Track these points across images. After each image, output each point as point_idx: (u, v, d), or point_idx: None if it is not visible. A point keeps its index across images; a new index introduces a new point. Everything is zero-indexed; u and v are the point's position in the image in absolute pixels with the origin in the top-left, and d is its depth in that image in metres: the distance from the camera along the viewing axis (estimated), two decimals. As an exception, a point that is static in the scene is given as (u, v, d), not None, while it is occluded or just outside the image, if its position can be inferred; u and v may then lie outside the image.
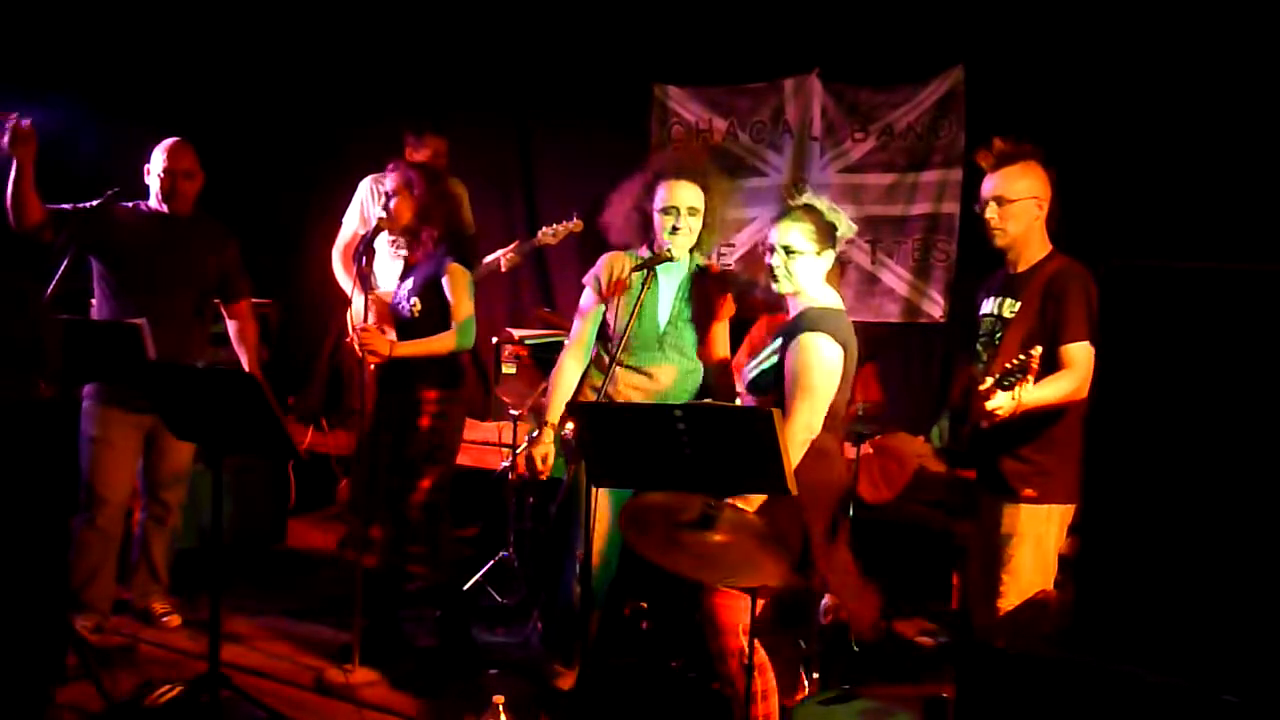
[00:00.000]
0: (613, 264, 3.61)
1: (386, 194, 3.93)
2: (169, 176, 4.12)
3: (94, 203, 4.00)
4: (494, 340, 5.17)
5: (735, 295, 3.69)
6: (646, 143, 5.77)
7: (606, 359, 3.53)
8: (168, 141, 4.18)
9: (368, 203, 5.16)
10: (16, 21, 5.55)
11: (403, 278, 4.07)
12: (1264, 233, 4.14)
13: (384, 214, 3.95)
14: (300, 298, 6.20)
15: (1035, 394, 2.80)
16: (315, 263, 5.49)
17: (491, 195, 6.20)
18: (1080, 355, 2.92)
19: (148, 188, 4.19)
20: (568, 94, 6.00)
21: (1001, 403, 2.76)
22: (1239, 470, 1.53)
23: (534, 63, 6.09)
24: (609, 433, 2.69)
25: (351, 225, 5.21)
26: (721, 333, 3.65)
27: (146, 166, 4.18)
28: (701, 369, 3.61)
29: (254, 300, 4.55)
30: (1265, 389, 1.51)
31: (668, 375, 3.55)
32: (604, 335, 3.61)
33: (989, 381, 2.78)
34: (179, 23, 6.17)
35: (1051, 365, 2.90)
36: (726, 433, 2.53)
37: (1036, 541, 3.00)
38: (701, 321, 3.59)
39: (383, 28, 6.36)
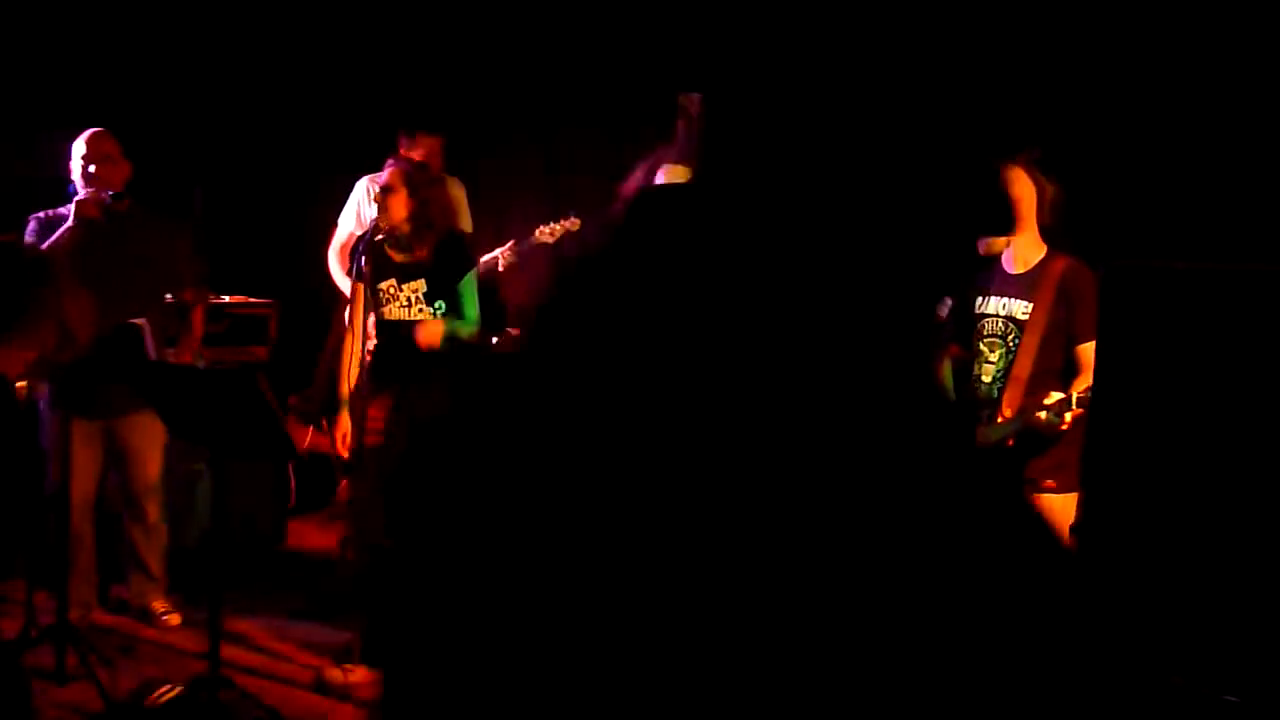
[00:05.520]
0: None
1: (379, 189, 3.91)
2: (87, 163, 4.09)
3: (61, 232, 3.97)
4: (494, 340, 5.16)
5: None
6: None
7: None
8: (87, 131, 4.15)
9: (364, 203, 5.14)
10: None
11: (399, 278, 4.01)
12: (1264, 233, 4.13)
13: (379, 212, 3.95)
14: (300, 298, 6.19)
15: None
16: (315, 263, 5.48)
17: (515, 204, 6.19)
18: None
19: (72, 186, 4.14)
20: (592, 103, 5.99)
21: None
22: (1240, 471, 1.53)
23: (559, 73, 6.07)
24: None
25: (348, 226, 5.19)
26: None
27: (69, 164, 4.14)
28: None
29: (252, 297, 4.54)
30: (1265, 390, 1.51)
31: None
32: None
33: (1048, 415, 2.87)
34: (181, 23, 6.17)
35: (1067, 365, 2.98)
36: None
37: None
38: None
39: (394, 32, 6.35)
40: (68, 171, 4.17)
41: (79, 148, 4.13)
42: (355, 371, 3.98)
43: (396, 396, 3.96)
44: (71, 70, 5.68)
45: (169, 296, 4.30)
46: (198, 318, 4.42)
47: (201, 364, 4.24)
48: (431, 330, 3.92)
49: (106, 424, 4.09)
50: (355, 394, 3.97)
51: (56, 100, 5.52)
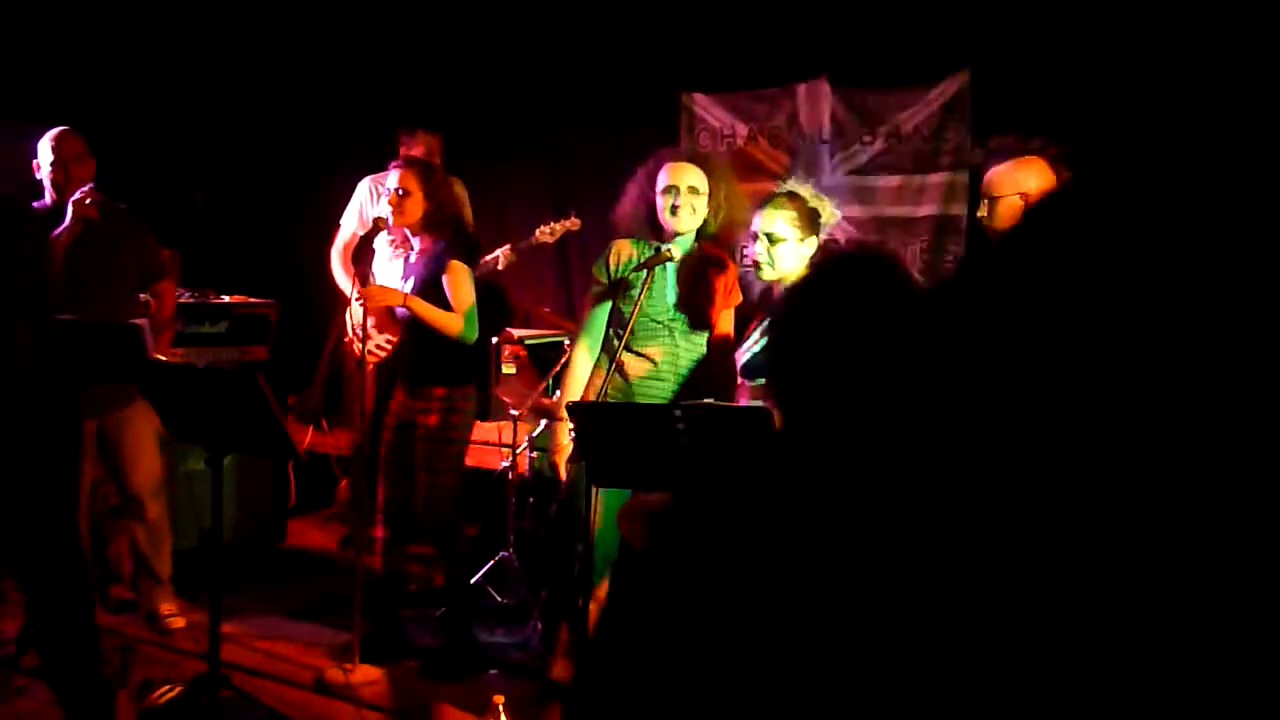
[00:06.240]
0: (619, 251, 3.62)
1: (395, 191, 3.92)
2: (60, 165, 4.03)
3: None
4: (494, 340, 5.16)
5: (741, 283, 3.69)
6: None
7: (616, 344, 3.53)
8: (53, 131, 4.10)
9: (366, 203, 5.14)
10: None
11: (403, 278, 4.07)
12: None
13: (385, 212, 3.95)
14: (300, 298, 6.19)
15: None
16: (315, 263, 5.49)
17: (515, 204, 6.19)
18: None
19: (40, 186, 4.09)
20: (597, 102, 5.99)
21: None
22: (1240, 472, 1.53)
23: (564, 72, 6.08)
24: (608, 433, 2.69)
25: (350, 226, 5.19)
26: (725, 314, 3.63)
27: (35, 163, 4.09)
28: (703, 347, 3.59)
29: (252, 297, 4.55)
30: (1265, 389, 1.51)
31: (666, 355, 3.54)
32: (615, 321, 3.60)
33: None
34: (182, 22, 6.17)
35: None
36: (726, 432, 2.53)
37: None
38: (699, 301, 3.57)
39: (394, 31, 6.35)
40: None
41: (47, 147, 4.06)
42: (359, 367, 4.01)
43: (408, 397, 4.01)
44: (72, 70, 5.68)
45: (142, 296, 4.31)
46: (172, 311, 4.43)
47: (201, 363, 4.24)
48: (378, 292, 3.89)
49: (97, 423, 4.09)
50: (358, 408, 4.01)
51: (57, 100, 5.52)
